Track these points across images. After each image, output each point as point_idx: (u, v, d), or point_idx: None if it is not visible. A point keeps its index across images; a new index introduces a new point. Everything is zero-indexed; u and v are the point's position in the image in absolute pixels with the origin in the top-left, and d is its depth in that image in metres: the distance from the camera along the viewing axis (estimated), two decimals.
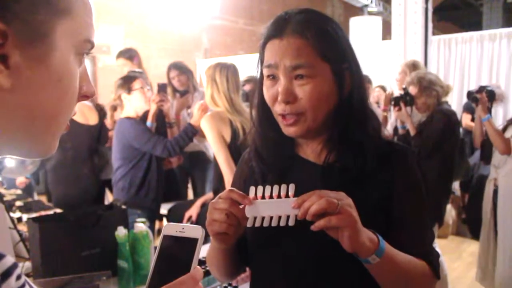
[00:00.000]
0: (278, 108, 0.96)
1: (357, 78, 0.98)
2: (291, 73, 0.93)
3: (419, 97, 3.05)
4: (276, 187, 0.89)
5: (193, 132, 2.77)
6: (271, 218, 0.87)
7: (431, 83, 3.04)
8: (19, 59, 0.46)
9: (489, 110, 3.08)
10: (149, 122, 2.94)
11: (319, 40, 0.93)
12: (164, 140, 2.80)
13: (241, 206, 0.90)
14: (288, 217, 0.86)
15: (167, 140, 2.82)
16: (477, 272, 3.22)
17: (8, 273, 0.47)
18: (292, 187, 0.87)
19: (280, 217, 0.86)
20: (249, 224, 0.88)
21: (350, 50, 0.98)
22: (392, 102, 3.21)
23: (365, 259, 0.86)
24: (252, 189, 0.91)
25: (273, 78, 0.96)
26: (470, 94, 3.18)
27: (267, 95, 0.98)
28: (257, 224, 0.87)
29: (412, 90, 3.09)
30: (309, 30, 0.93)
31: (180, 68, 3.92)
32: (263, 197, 0.89)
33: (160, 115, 3.11)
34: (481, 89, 3.13)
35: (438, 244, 3.15)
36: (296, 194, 0.87)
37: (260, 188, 0.90)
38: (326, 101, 0.95)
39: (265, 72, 0.98)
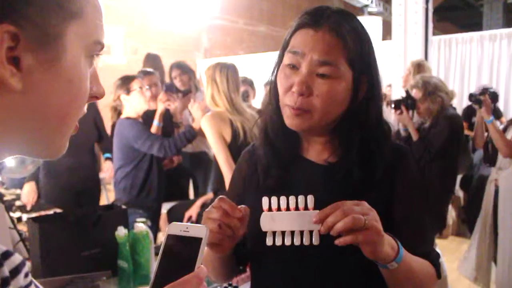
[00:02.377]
0: (288, 99, 0.93)
1: (374, 91, 0.97)
2: (315, 68, 0.90)
3: (422, 102, 2.95)
4: (292, 198, 0.84)
5: (192, 134, 2.75)
6: (292, 233, 0.83)
7: (437, 88, 2.93)
8: (30, 61, 0.46)
9: (492, 112, 3.03)
10: (156, 122, 2.93)
11: (352, 45, 0.91)
12: (161, 139, 2.78)
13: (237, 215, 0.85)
14: (310, 233, 0.82)
15: (165, 139, 2.80)
16: (467, 269, 3.19)
17: (16, 270, 0.48)
18: (310, 198, 0.83)
19: (301, 233, 0.82)
20: (268, 242, 0.85)
21: (374, 65, 0.97)
22: (393, 105, 3.08)
23: (383, 264, 0.85)
24: (265, 199, 0.85)
25: (293, 67, 0.93)
26: (472, 96, 3.11)
27: (283, 82, 0.95)
28: (278, 243, 0.84)
29: (416, 94, 2.98)
30: (348, 32, 0.91)
31: (182, 68, 3.92)
32: (278, 209, 0.84)
33: (167, 115, 3.09)
34: (484, 91, 3.09)
35: (438, 245, 3.14)
36: (309, 202, 0.83)
37: (274, 198, 0.84)
38: (339, 105, 0.94)
39: (287, 58, 0.94)
